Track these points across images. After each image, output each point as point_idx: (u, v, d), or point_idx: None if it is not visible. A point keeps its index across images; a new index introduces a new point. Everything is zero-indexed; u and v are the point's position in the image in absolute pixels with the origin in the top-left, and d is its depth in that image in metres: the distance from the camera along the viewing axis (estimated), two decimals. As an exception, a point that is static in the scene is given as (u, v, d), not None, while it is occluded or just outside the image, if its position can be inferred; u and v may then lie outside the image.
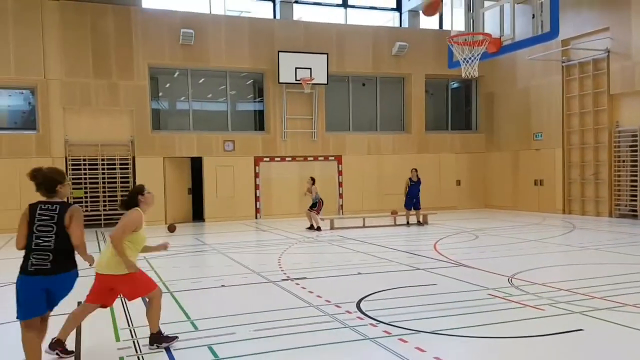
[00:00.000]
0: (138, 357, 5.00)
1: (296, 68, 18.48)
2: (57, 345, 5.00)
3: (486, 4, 9.14)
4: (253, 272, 9.00)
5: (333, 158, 19.82)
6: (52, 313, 4.84)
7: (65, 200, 4.79)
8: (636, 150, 15.77)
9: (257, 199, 18.88)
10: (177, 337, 5.32)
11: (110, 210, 17.20)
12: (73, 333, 5.75)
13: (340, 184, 19.86)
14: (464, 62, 8.07)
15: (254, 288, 7.90)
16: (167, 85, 19.15)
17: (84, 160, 16.86)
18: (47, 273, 4.40)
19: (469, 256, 10.24)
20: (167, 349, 5.12)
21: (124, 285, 5.11)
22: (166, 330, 5.59)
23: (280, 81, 18.53)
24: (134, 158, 17.37)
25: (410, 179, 16.11)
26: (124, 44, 17.16)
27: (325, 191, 19.11)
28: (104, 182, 17.11)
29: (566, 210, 18.01)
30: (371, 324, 5.77)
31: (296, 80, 18.50)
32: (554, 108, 18.26)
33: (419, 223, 16.12)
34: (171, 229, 15.33)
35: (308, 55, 18.69)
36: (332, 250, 11.81)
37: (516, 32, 8.18)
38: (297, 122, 19.29)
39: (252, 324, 5.84)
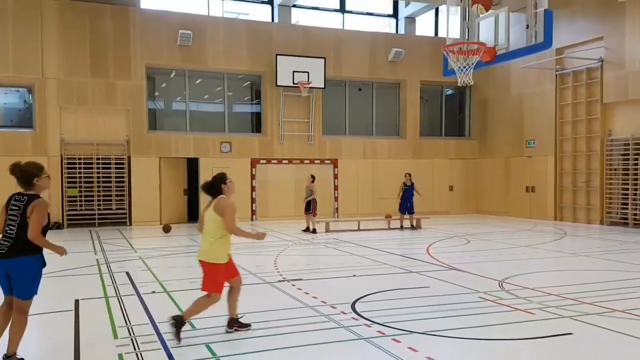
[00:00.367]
0: (137, 354, 5.08)
1: (294, 71, 18.61)
2: (178, 323, 5.35)
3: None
4: (249, 273, 9.08)
5: (329, 161, 19.96)
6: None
7: (41, 193, 4.89)
8: (628, 159, 15.99)
9: (253, 200, 18.96)
10: (250, 325, 5.74)
11: (104, 209, 17.24)
12: (72, 330, 5.85)
13: (336, 187, 19.99)
14: (458, 70, 8.23)
15: (250, 289, 7.95)
16: (164, 85, 19.22)
17: (79, 159, 16.89)
18: (2, 257, 4.65)
19: (460, 260, 10.38)
20: (166, 347, 5.21)
21: (206, 271, 5.52)
22: (162, 328, 5.69)
23: (278, 84, 18.66)
24: (129, 158, 17.42)
25: (404, 183, 16.29)
26: (121, 44, 17.24)
27: (321, 194, 19.21)
28: (98, 182, 17.14)
29: (557, 217, 18.22)
30: (365, 325, 5.88)
31: (294, 83, 18.63)
32: (547, 116, 18.48)
33: (412, 227, 16.26)
34: (166, 229, 15.38)
35: (306, 59, 18.83)
36: (328, 252, 11.92)
37: (510, 41, 8.34)
38: (294, 125, 19.41)
39: (249, 323, 5.93)
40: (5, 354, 4.68)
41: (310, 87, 18.83)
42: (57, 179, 16.53)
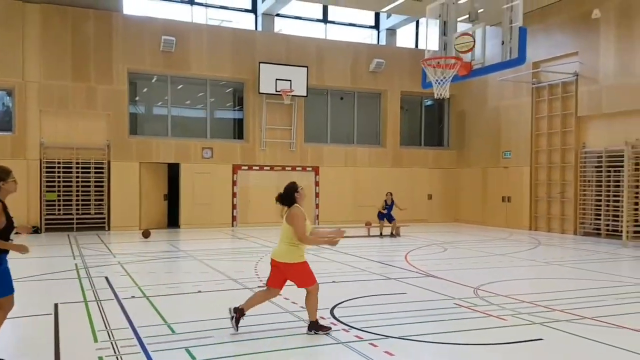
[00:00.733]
0: (117, 357, 5.13)
1: (276, 79, 18.77)
2: (239, 312, 5.89)
3: (459, 28, 9.60)
4: (229, 278, 9.15)
5: (311, 169, 20.11)
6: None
7: (5, 196, 4.95)
8: (601, 171, 16.44)
9: (234, 206, 19.00)
10: (330, 327, 5.96)
11: (83, 214, 17.11)
12: (51, 333, 5.87)
13: (317, 195, 20.14)
14: (436, 83, 8.48)
15: (230, 294, 8.05)
16: (145, 90, 19.20)
17: (59, 163, 16.76)
18: None
19: (437, 267, 10.59)
20: (146, 351, 5.26)
21: (295, 273, 5.90)
22: (142, 332, 5.75)
23: (261, 91, 18.79)
24: (109, 162, 17.34)
25: (385, 201, 16.60)
26: (104, 49, 17.21)
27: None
28: (77, 186, 17.02)
29: (532, 227, 18.62)
30: (344, 329, 6.02)
31: (276, 91, 18.79)
32: (523, 128, 18.92)
33: (392, 235, 16.47)
34: (145, 234, 15.33)
35: (288, 67, 19.01)
36: (308, 259, 11.91)
37: (486, 56, 8.62)
38: (276, 132, 19.54)
39: (229, 328, 5.99)
40: None
41: (292, 95, 19.01)
42: (36, 183, 16.40)
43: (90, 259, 11.35)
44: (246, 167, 19.19)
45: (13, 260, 5.09)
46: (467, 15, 8.75)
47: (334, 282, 9.04)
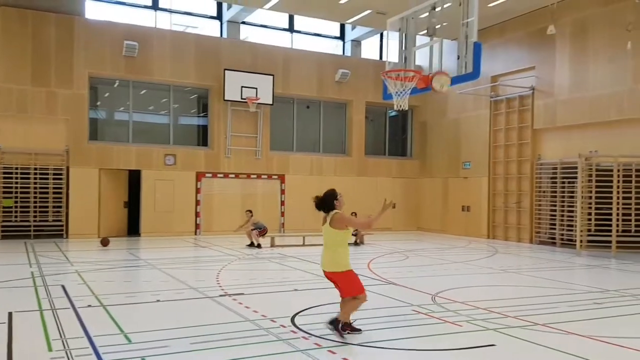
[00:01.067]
0: (71, 367, 5.06)
1: (242, 87, 18.77)
2: (346, 326, 6.05)
3: (418, 41, 9.87)
4: (190, 287, 9.09)
5: (276, 177, 20.13)
6: None
7: None
8: (556, 182, 17.01)
9: (197, 214, 18.82)
10: (360, 329, 6.14)
11: (40, 221, 16.67)
12: (5, 342, 5.75)
13: (282, 203, 20.15)
14: (395, 95, 8.70)
15: (190, 303, 8.00)
16: (107, 95, 18.90)
17: (16, 168, 16.33)
18: None
19: (398, 275, 10.78)
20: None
21: (342, 280, 6.04)
22: (97, 342, 5.69)
23: (226, 98, 18.74)
24: (68, 168, 16.97)
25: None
26: (65, 53, 16.90)
27: (268, 209, 19.39)
28: (35, 192, 16.59)
29: (490, 236, 19.12)
30: (303, 337, 6.07)
31: (242, 98, 18.78)
32: (482, 139, 19.45)
33: (355, 243, 16.62)
34: (104, 242, 15.02)
35: (254, 75, 19.04)
36: (271, 267, 12.05)
37: (444, 69, 8.90)
38: (242, 140, 19.50)
39: (187, 337, 5.97)
40: None
41: (258, 103, 19.02)
42: (-10, 189, 15.91)
43: (47, 267, 11.08)
44: (210, 175, 19.07)
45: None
46: (426, 30, 9.02)
47: (296, 290, 9.10)
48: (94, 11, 18.07)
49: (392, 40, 9.81)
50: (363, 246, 16.37)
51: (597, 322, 7.12)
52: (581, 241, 14.93)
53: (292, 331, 6.32)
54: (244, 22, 20.18)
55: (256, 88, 18.95)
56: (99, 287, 8.97)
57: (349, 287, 6.08)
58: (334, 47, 22.34)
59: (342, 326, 6.04)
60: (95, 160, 17.37)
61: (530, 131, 17.81)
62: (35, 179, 16.56)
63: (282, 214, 20.15)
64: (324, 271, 6.20)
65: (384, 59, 22.32)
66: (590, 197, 15.19)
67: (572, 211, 16.01)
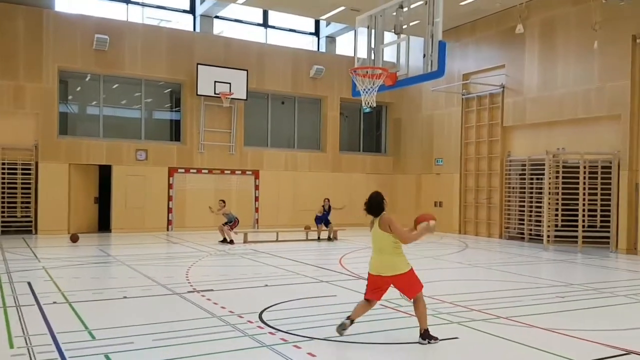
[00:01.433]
0: (32, 364, 5.01)
1: (215, 82, 18.65)
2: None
3: (386, 38, 9.96)
4: (158, 284, 9.03)
5: (250, 172, 20.08)
6: None
7: None
8: (524, 178, 17.36)
9: (169, 210, 18.67)
10: (437, 337, 5.90)
11: (8, 216, 16.35)
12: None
13: (256, 199, 20.11)
14: (363, 92, 8.78)
15: (157, 299, 7.96)
16: (78, 89, 18.58)
17: (-18, 163, 15.97)
18: None
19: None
20: (63, 357, 5.15)
21: (405, 282, 5.93)
22: (60, 338, 5.64)
23: (199, 93, 18.60)
24: (37, 163, 16.66)
25: (322, 206, 16.78)
26: (33, 46, 16.55)
27: (242, 205, 19.32)
28: (3, 188, 16.26)
29: (461, 231, 19.41)
30: (270, 333, 6.11)
31: (215, 93, 18.66)
32: (454, 136, 19.72)
33: (329, 239, 16.72)
34: (74, 239, 14.81)
35: (228, 70, 18.94)
36: (243, 263, 12.04)
37: (410, 67, 9.01)
38: (215, 135, 19.38)
39: (151, 334, 5.96)
40: None
41: (232, 98, 18.93)
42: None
43: (13, 263, 10.89)
44: (183, 170, 18.92)
45: None
46: (394, 28, 9.11)
47: (266, 285, 9.12)
48: (64, 4, 17.73)
49: (362, 36, 9.90)
50: (336, 242, 16.46)
51: (559, 315, 7.31)
52: (548, 236, 15.28)
53: (259, 327, 6.35)
54: (217, 17, 20.02)
55: (230, 83, 18.85)
56: (66, 284, 8.86)
57: (413, 286, 5.96)
58: (309, 43, 22.33)
59: (426, 332, 5.88)
60: (65, 155, 17.08)
61: (500, 128, 18.11)
62: (2, 174, 16.23)
63: (257, 209, 20.12)
64: (377, 275, 6.02)
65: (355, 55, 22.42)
66: (557, 194, 15.55)
67: (540, 207, 16.37)
